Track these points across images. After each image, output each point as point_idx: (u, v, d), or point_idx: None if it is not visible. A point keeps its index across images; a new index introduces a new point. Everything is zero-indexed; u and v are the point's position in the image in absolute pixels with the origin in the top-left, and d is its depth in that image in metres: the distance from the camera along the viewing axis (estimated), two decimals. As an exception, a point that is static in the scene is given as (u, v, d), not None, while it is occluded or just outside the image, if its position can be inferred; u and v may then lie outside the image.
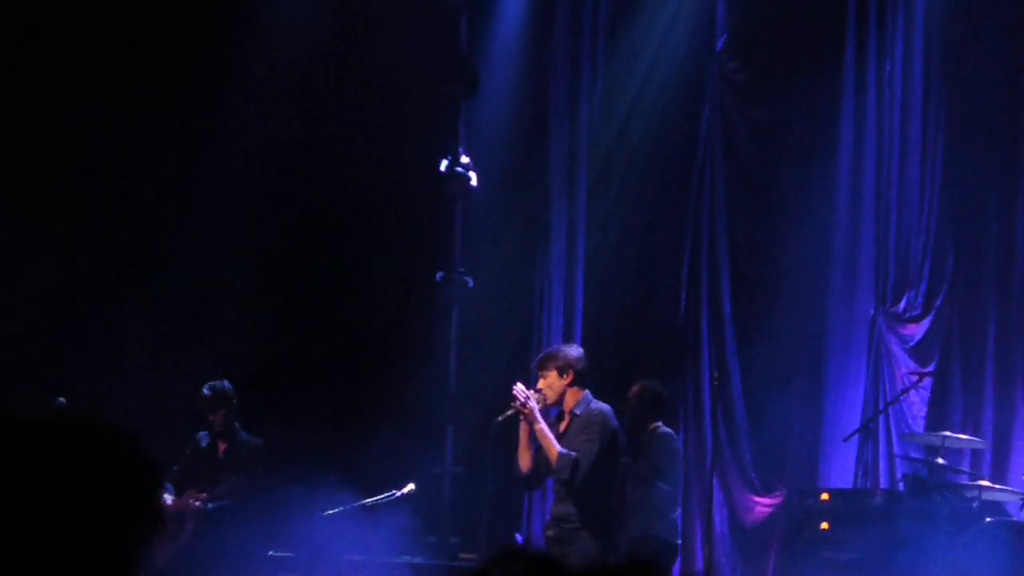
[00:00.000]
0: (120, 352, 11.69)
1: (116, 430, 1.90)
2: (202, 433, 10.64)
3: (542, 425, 8.59)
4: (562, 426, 8.78)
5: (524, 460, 8.75)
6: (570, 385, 8.70)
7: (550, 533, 8.86)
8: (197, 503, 10.24)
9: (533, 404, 8.57)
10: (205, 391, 10.48)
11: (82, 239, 11.97)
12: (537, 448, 8.70)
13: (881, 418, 12.23)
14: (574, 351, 8.94)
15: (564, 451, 8.55)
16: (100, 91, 11.84)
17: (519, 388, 8.64)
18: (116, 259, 11.95)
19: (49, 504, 1.82)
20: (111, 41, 11.88)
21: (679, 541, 10.49)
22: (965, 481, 11.10)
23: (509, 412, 8.65)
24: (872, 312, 12.64)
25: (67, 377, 11.06)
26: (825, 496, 11.56)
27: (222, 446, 10.57)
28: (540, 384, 8.74)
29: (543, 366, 8.80)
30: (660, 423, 10.24)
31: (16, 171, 11.89)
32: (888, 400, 12.29)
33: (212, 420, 10.53)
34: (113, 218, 12.09)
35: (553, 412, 9.01)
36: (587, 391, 8.79)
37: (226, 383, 10.51)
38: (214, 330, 11.87)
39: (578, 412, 8.71)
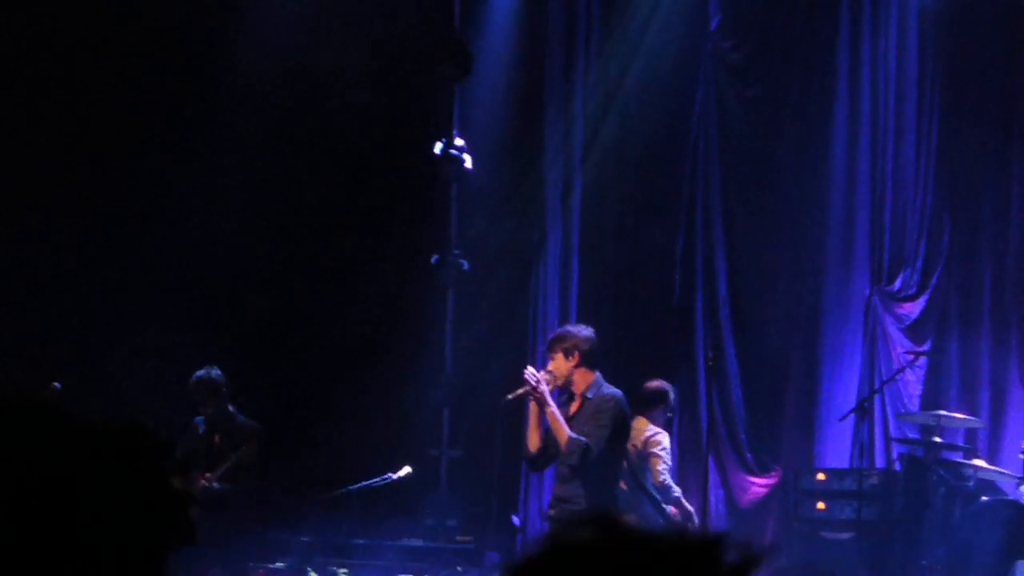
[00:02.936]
0: (115, 335, 11.64)
1: (155, 439, 1.81)
2: (199, 418, 10.42)
3: (553, 408, 8.44)
4: (572, 408, 8.62)
5: (533, 440, 8.63)
6: (577, 367, 8.53)
7: (552, 513, 8.75)
8: (202, 482, 10.02)
9: (544, 388, 8.42)
10: (193, 381, 10.14)
11: (77, 222, 11.93)
12: (547, 429, 8.58)
13: (877, 397, 12.22)
14: (583, 332, 8.72)
15: (575, 436, 8.39)
16: (95, 74, 11.80)
17: (530, 371, 8.52)
18: (112, 243, 11.90)
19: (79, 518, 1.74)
20: (105, 24, 11.82)
21: None
22: (960, 460, 11.10)
23: (520, 391, 8.50)
24: (868, 291, 12.62)
25: (61, 360, 11.02)
26: (821, 476, 11.59)
27: (217, 436, 10.25)
28: (550, 366, 8.60)
29: (551, 348, 8.69)
30: None
31: (9, 154, 11.84)
32: (884, 379, 12.28)
33: (203, 410, 10.22)
34: (109, 203, 12.03)
35: (555, 393, 8.80)
36: (598, 373, 8.63)
37: (215, 371, 10.15)
38: (208, 315, 11.82)
39: (589, 395, 8.55)
